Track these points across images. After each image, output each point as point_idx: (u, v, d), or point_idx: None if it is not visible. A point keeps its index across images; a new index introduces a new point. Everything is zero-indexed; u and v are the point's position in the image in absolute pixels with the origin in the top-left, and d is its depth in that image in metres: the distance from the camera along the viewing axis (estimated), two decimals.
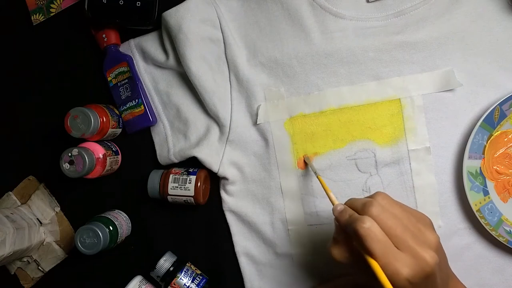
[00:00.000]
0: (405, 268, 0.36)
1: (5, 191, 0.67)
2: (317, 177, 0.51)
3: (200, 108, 0.59)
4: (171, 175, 0.57)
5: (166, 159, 0.60)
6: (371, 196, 0.41)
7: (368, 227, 0.36)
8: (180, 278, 0.57)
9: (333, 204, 0.43)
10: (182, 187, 0.56)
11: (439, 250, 0.39)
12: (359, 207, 0.40)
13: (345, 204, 0.43)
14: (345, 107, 0.54)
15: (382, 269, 0.36)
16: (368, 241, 0.36)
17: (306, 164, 0.55)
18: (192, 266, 0.59)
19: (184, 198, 0.57)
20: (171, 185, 0.57)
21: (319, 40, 0.54)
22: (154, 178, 0.58)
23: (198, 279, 0.58)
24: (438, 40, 0.52)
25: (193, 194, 0.56)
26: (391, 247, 0.36)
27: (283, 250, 0.57)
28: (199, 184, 0.56)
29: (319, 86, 0.55)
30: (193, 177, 0.57)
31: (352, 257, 0.40)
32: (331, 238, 0.43)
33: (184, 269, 0.58)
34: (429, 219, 0.42)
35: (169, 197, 0.57)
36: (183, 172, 0.57)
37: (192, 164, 0.59)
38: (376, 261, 0.36)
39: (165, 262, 0.58)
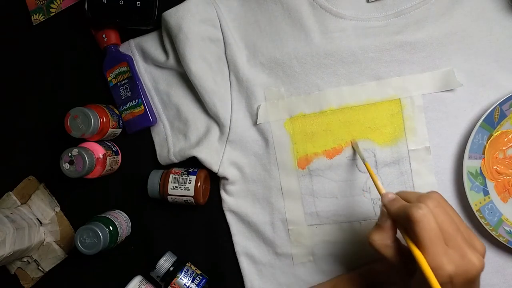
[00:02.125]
0: (451, 264, 0.34)
1: (5, 191, 0.67)
2: (364, 164, 0.50)
3: (200, 108, 0.59)
4: (171, 175, 0.57)
5: (166, 159, 0.60)
6: (426, 193, 0.40)
7: (424, 213, 0.35)
8: (180, 278, 0.57)
9: (380, 192, 0.43)
10: (182, 187, 0.56)
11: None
12: (413, 199, 0.39)
13: (396, 194, 0.42)
14: (345, 107, 0.54)
15: (426, 260, 0.35)
16: (420, 227, 0.35)
17: (354, 150, 0.54)
18: (192, 266, 0.59)
19: (184, 198, 0.57)
20: (171, 185, 0.57)
21: (319, 40, 0.54)
22: (154, 178, 0.58)
23: (198, 279, 0.58)
24: (438, 40, 0.52)
25: (193, 194, 0.56)
26: (441, 240, 0.35)
27: (283, 250, 0.57)
28: (199, 184, 0.56)
29: (319, 86, 0.55)
30: (193, 177, 0.57)
31: (392, 246, 0.39)
32: (374, 225, 0.42)
33: (184, 269, 0.58)
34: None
35: (169, 197, 0.57)
36: (183, 172, 0.57)
37: (192, 164, 0.59)
38: (423, 250, 0.35)
39: (165, 262, 0.58)
